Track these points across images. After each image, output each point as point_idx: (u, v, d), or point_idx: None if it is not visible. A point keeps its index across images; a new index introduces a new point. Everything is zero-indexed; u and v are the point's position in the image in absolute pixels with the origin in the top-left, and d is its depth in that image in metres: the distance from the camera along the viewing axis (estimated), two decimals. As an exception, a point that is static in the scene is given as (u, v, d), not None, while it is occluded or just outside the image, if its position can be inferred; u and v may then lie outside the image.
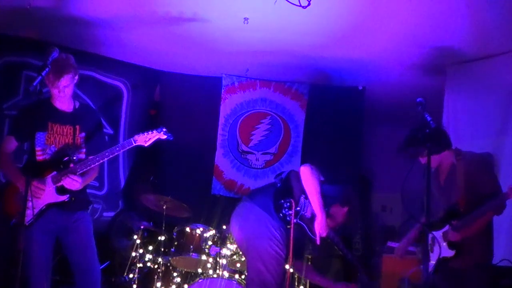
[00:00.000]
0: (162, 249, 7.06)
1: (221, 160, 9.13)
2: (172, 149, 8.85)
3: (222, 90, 9.05)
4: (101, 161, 5.12)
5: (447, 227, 5.19)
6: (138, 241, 7.10)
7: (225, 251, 6.84)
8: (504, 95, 7.14)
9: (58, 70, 4.93)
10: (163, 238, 7.10)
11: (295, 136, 9.06)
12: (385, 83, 8.72)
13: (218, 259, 6.83)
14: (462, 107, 7.70)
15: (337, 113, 8.98)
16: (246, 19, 6.74)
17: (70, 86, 5.13)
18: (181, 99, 8.92)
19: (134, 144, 5.19)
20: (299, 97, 9.05)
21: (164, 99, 9.06)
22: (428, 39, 7.11)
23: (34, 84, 4.14)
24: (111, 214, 8.37)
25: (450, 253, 5.15)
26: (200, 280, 6.50)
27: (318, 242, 5.14)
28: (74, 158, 5.18)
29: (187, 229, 7.10)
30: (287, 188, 5.17)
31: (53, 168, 5.12)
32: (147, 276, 7.24)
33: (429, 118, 4.67)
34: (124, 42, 7.82)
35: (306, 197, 5.13)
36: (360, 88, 9.05)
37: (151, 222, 7.47)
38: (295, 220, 5.02)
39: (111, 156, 5.16)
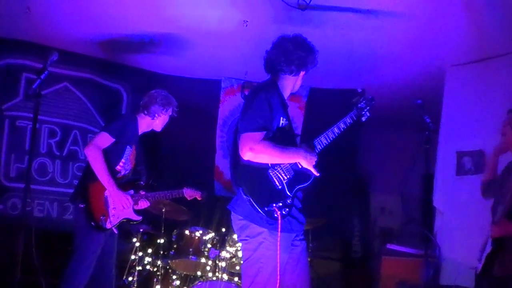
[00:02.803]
0: (162, 252, 7.04)
1: (221, 161, 9.13)
2: (172, 151, 8.86)
3: (221, 93, 9.05)
4: (164, 197, 6.19)
5: None
6: (137, 244, 7.07)
7: (224, 254, 6.84)
8: (503, 97, 7.16)
9: (169, 101, 6.06)
10: (162, 241, 7.08)
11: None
12: (385, 86, 8.72)
13: (217, 262, 6.82)
14: (461, 109, 7.72)
15: (336, 115, 8.95)
16: (245, 21, 6.75)
17: None
18: (181, 101, 8.92)
19: (183, 195, 6.33)
20: (298, 99, 9.03)
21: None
22: (427, 41, 7.12)
23: (34, 87, 4.18)
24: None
25: (490, 248, 4.96)
26: (199, 283, 6.50)
27: (317, 174, 4.34)
28: (142, 183, 6.09)
29: (187, 232, 7.09)
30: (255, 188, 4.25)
31: (130, 186, 5.87)
32: (146, 279, 7.21)
33: (428, 120, 4.68)
34: (123, 45, 7.82)
35: (278, 166, 4.31)
36: (359, 90, 9.02)
37: (150, 225, 7.45)
38: (291, 194, 4.27)
39: (170, 197, 6.25)
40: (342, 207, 9.25)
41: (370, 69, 8.22)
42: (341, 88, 8.98)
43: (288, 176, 4.30)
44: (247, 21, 6.77)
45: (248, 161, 4.21)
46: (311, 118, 8.99)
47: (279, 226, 4.16)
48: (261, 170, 4.24)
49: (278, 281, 4.18)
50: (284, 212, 4.20)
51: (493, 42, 7.01)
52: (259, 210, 4.13)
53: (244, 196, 4.17)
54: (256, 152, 4.15)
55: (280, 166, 4.30)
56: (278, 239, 4.18)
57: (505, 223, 4.82)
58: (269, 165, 4.25)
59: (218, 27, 7.09)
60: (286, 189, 4.27)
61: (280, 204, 4.19)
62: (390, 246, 8.02)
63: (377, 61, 7.89)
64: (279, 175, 4.28)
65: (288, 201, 4.25)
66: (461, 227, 7.13)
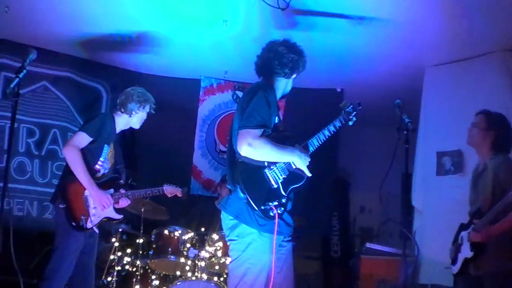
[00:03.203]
0: (141, 252, 7.02)
1: (199, 161, 9.13)
2: (150, 151, 8.83)
3: (201, 92, 9.03)
4: (144, 195, 6.19)
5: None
6: (116, 244, 7.05)
7: (203, 254, 6.82)
8: (479, 97, 7.22)
9: (146, 98, 6.01)
10: (141, 240, 7.06)
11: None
12: (364, 85, 8.74)
13: (196, 261, 6.80)
14: (440, 109, 7.76)
15: (315, 115, 8.94)
16: (225, 20, 6.75)
17: None
18: (160, 100, 8.89)
19: (164, 192, 6.41)
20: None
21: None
22: (405, 42, 7.16)
23: (12, 86, 4.14)
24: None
25: (469, 254, 5.01)
26: (178, 283, 6.48)
27: (309, 174, 4.41)
28: (122, 182, 6.06)
29: (166, 232, 7.06)
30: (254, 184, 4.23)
31: (110, 185, 5.85)
32: (125, 279, 7.19)
33: (407, 120, 4.69)
34: (102, 44, 7.79)
35: (274, 166, 4.30)
36: (339, 90, 9.06)
37: (129, 225, 7.43)
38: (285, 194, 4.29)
39: (151, 194, 6.24)
40: (322, 206, 9.27)
41: (349, 69, 8.25)
42: (321, 87, 9.01)
43: (283, 176, 4.32)
44: (226, 21, 6.77)
45: (245, 159, 4.20)
46: (291, 118, 8.98)
47: (276, 223, 4.18)
48: (258, 169, 4.24)
49: (272, 280, 4.18)
50: (279, 212, 4.21)
51: (471, 43, 7.06)
52: (256, 208, 4.13)
53: (242, 194, 4.16)
54: (254, 148, 4.14)
55: (276, 166, 4.30)
56: (275, 237, 4.20)
57: (487, 228, 4.87)
58: (266, 164, 4.25)
59: (197, 26, 7.09)
60: (281, 189, 4.28)
61: (276, 203, 4.20)
62: (369, 245, 8.06)
63: (356, 61, 7.92)
64: (275, 174, 4.28)
65: (283, 201, 4.27)
66: (440, 226, 7.16)
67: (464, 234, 5.20)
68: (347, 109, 4.82)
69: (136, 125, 6.09)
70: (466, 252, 5.08)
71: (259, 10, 6.40)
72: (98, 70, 8.47)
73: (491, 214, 4.82)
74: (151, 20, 7.02)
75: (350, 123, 4.80)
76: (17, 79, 4.17)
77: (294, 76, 4.70)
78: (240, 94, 8.74)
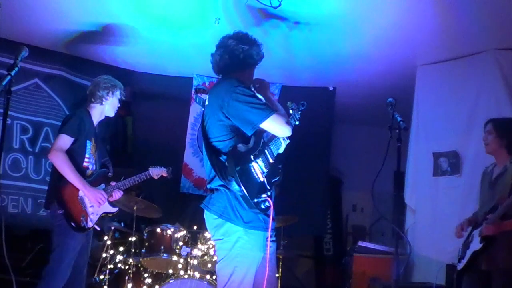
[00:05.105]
0: (133, 250, 7.01)
1: (191, 159, 9.10)
2: (141, 148, 8.82)
3: (193, 90, 9.02)
4: (134, 182, 6.18)
5: None
6: (108, 242, 7.03)
7: (196, 252, 6.82)
8: (471, 96, 7.25)
9: (114, 84, 5.95)
10: (133, 239, 7.05)
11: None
12: (356, 84, 8.76)
13: (189, 259, 6.80)
14: (430, 107, 7.78)
15: (307, 113, 8.94)
16: (217, 19, 6.74)
17: None
18: (152, 99, 8.89)
19: (151, 175, 6.44)
20: (269, 98, 9.02)
21: (134, 99, 8.99)
22: (398, 41, 7.16)
23: (4, 83, 4.13)
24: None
25: (478, 246, 5.16)
26: (171, 281, 6.48)
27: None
28: (110, 174, 6.09)
29: (158, 230, 7.06)
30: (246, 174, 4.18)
31: (100, 180, 5.89)
32: (117, 277, 7.18)
33: (399, 119, 4.70)
34: (93, 42, 7.77)
35: (259, 158, 4.30)
36: (331, 88, 9.07)
37: (122, 223, 7.42)
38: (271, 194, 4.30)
39: (139, 180, 6.26)
40: (315, 204, 9.28)
41: (342, 67, 8.25)
42: (313, 86, 9.01)
43: (266, 170, 4.29)
44: (219, 19, 6.75)
45: (234, 154, 4.17)
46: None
47: (271, 213, 4.19)
48: (246, 163, 4.21)
49: (266, 275, 4.19)
50: (268, 204, 4.20)
51: (463, 42, 7.07)
52: (250, 200, 4.09)
53: (237, 187, 4.10)
54: (290, 125, 4.41)
55: (261, 159, 4.28)
56: (270, 225, 4.22)
57: (499, 223, 5.05)
58: (251, 158, 4.22)
59: (190, 24, 7.07)
60: (266, 182, 4.25)
61: (265, 195, 4.18)
62: (362, 243, 8.07)
63: (349, 60, 7.93)
64: (260, 168, 4.25)
65: (269, 194, 4.24)
66: (435, 225, 7.20)
67: (475, 231, 5.35)
68: (295, 108, 4.88)
69: (110, 113, 6.05)
70: (475, 245, 5.21)
71: (250, 8, 6.40)
72: (90, 68, 8.43)
73: (503, 208, 5.00)
74: (141, 17, 7.00)
75: (297, 122, 4.84)
76: (9, 77, 4.15)
77: (251, 67, 4.70)
78: (204, 96, 8.65)
